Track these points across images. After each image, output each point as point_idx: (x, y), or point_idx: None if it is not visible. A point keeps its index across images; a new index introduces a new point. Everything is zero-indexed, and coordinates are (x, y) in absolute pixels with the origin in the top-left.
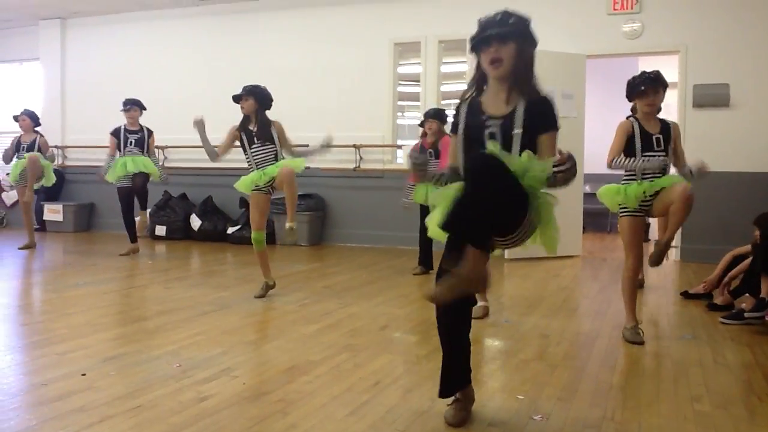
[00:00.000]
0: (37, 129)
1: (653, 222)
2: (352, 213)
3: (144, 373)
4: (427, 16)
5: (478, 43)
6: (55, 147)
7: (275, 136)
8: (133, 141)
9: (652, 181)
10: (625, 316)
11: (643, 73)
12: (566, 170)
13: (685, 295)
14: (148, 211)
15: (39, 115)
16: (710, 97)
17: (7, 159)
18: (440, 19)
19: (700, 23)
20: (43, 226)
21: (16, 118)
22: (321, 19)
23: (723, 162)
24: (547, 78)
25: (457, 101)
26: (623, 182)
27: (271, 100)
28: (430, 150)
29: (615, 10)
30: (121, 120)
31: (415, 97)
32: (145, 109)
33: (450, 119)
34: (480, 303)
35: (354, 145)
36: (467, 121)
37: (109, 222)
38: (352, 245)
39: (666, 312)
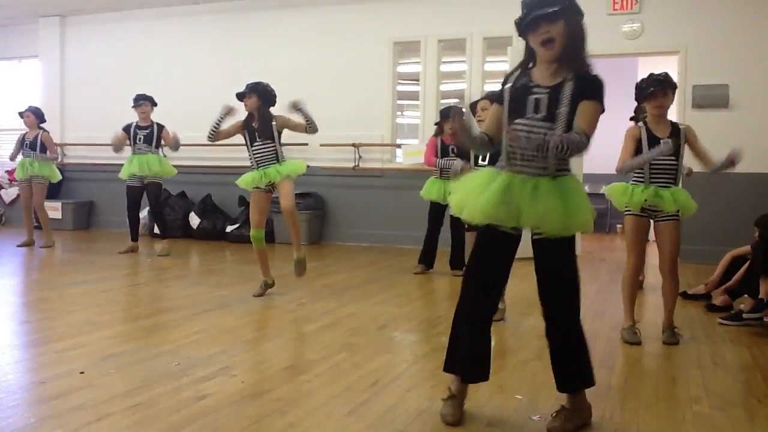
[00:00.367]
0: (41, 125)
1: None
2: (351, 212)
3: (143, 371)
4: (427, 15)
5: (526, 26)
6: (54, 144)
7: (276, 133)
8: (142, 137)
9: (658, 188)
10: (623, 315)
11: (651, 75)
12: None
13: (684, 295)
14: (146, 209)
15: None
16: (710, 98)
17: (13, 157)
18: (440, 19)
19: (699, 24)
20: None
21: (21, 115)
22: (321, 18)
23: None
24: None
25: (457, 101)
26: (633, 182)
27: (275, 97)
28: (452, 147)
29: (615, 10)
30: (118, 118)
31: (414, 96)
32: (156, 104)
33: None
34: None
35: (353, 144)
36: (514, 83)
37: (109, 220)
38: (351, 244)
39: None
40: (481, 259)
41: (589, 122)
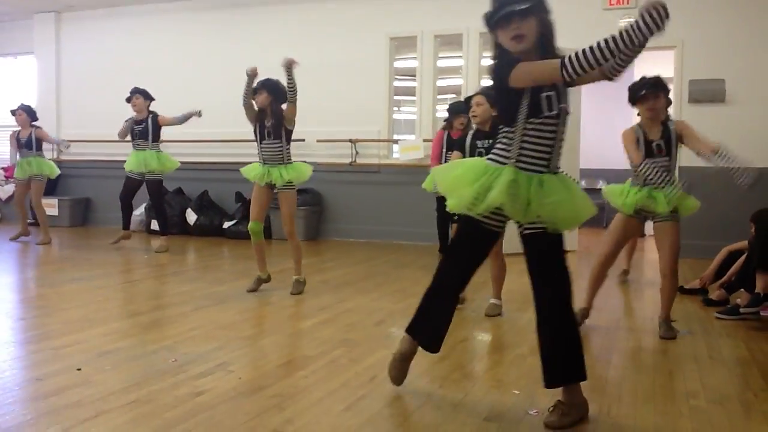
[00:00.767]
0: (33, 123)
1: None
2: (348, 208)
3: (140, 367)
4: (423, 10)
5: (497, 21)
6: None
7: (284, 133)
8: (138, 132)
9: (652, 189)
10: (620, 309)
11: (643, 78)
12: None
13: (681, 290)
14: (143, 205)
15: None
16: (706, 93)
17: (13, 158)
18: (436, 14)
19: (696, 19)
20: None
21: (13, 113)
22: (317, 14)
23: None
24: None
25: (453, 96)
26: (631, 184)
27: (285, 93)
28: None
29: (611, 5)
30: (115, 114)
31: (411, 91)
32: (150, 98)
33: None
34: (492, 301)
35: (350, 140)
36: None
37: (105, 216)
38: (349, 240)
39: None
40: (461, 251)
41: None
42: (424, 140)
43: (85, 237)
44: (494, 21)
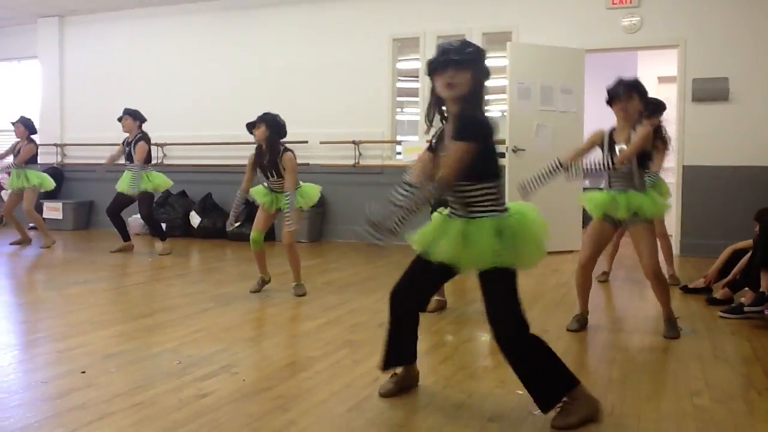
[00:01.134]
0: (31, 136)
1: None
2: (351, 209)
3: (144, 370)
4: (426, 11)
5: (435, 66)
6: (54, 145)
7: (281, 168)
8: (127, 153)
9: (616, 193)
10: (623, 309)
11: (620, 79)
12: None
13: (685, 289)
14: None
15: (37, 118)
16: (709, 91)
17: (1, 157)
18: (439, 15)
19: (699, 17)
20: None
21: (13, 124)
22: (319, 15)
23: (722, 156)
24: (546, 73)
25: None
26: (601, 188)
27: (284, 127)
28: None
29: (614, 4)
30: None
31: (414, 92)
32: (140, 119)
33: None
34: (435, 297)
35: (353, 141)
36: (437, 143)
37: (109, 220)
38: (352, 241)
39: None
40: (412, 275)
41: (446, 165)
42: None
43: (89, 240)
44: (433, 66)
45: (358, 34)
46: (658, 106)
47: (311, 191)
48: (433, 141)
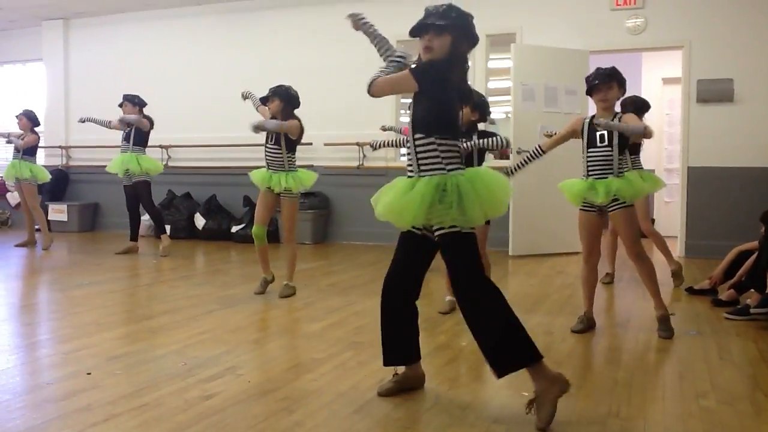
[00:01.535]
0: (35, 129)
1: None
2: (355, 211)
3: (149, 371)
4: None
5: (417, 29)
6: (59, 147)
7: (283, 140)
8: (124, 135)
9: (595, 180)
10: (628, 310)
11: (598, 69)
12: None
13: (690, 291)
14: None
15: (42, 120)
16: (714, 92)
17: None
18: None
19: (703, 18)
20: (47, 225)
21: (17, 117)
22: (323, 17)
23: (728, 157)
24: (550, 74)
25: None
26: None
27: (297, 98)
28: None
29: (618, 5)
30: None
31: None
32: (140, 104)
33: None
34: (448, 297)
35: (357, 143)
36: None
37: (114, 221)
38: (356, 243)
39: (671, 308)
40: (399, 261)
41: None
42: None
43: (94, 242)
44: (416, 29)
45: (361, 36)
46: (642, 106)
47: (306, 176)
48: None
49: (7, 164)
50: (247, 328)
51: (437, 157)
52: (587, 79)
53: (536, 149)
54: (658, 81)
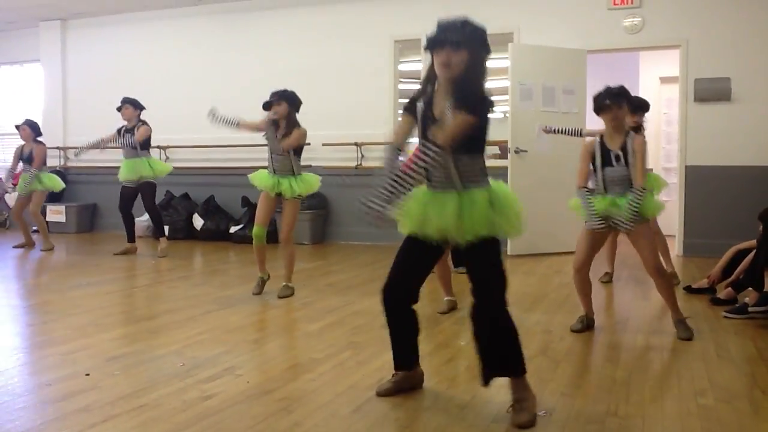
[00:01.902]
0: (38, 138)
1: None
2: (354, 211)
3: (148, 372)
4: (428, 13)
5: (432, 44)
6: (57, 148)
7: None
8: (125, 142)
9: (615, 197)
10: (627, 309)
11: (607, 87)
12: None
13: (689, 289)
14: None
15: (40, 121)
16: (712, 92)
17: (13, 169)
18: (440, 16)
19: (700, 17)
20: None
21: (18, 128)
22: (321, 18)
23: (725, 156)
24: (547, 74)
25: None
26: (592, 193)
27: (300, 103)
28: None
29: (615, 4)
30: (120, 121)
31: None
32: (140, 108)
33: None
34: (447, 297)
35: (355, 143)
36: (422, 113)
37: (112, 222)
38: (355, 243)
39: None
40: (401, 266)
41: (447, 133)
42: None
43: (92, 243)
44: (430, 44)
45: (359, 36)
46: (641, 106)
47: (312, 179)
48: (417, 104)
49: (20, 177)
50: (246, 328)
51: (479, 173)
52: (596, 99)
53: (576, 130)
54: (656, 80)
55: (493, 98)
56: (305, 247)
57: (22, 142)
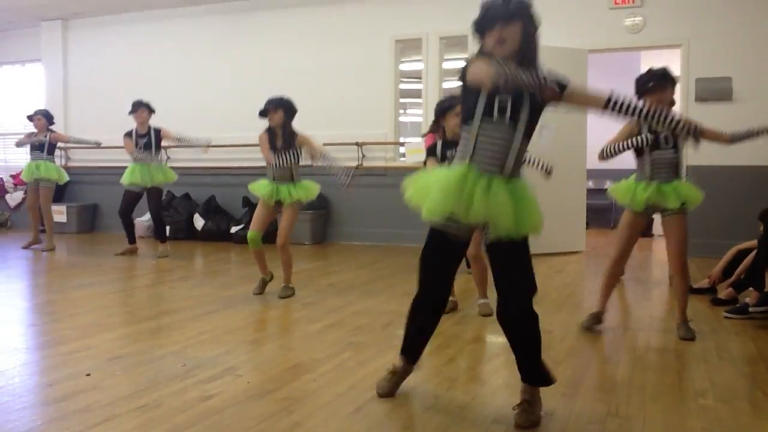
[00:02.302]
0: (50, 128)
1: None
2: (354, 211)
3: (149, 372)
4: (428, 12)
5: (482, 24)
6: (58, 148)
7: (296, 153)
8: (142, 146)
9: (660, 183)
10: (628, 309)
11: (650, 69)
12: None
13: (689, 290)
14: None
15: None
16: (713, 91)
17: (19, 144)
18: (441, 16)
19: (702, 17)
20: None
21: (31, 118)
22: (322, 17)
23: (726, 156)
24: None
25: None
26: (636, 180)
27: (296, 111)
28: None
29: (616, 4)
30: (122, 121)
31: (416, 94)
32: (153, 111)
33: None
34: (481, 300)
35: (356, 143)
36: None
37: (113, 223)
38: (355, 243)
39: (670, 307)
40: (430, 261)
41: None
42: None
43: (93, 243)
44: (480, 25)
45: (360, 36)
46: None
47: (311, 186)
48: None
49: (26, 164)
50: (246, 328)
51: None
52: (639, 80)
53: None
54: None
55: None
56: (306, 247)
57: (33, 132)
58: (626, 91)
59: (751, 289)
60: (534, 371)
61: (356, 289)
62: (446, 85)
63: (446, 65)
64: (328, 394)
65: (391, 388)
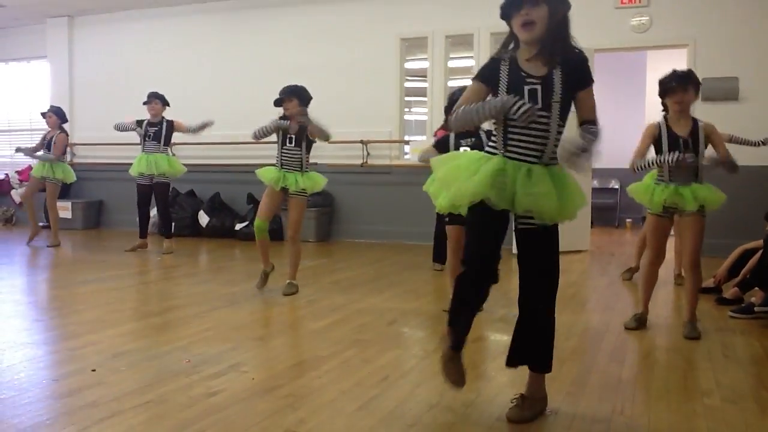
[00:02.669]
0: (62, 126)
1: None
2: (359, 209)
3: (154, 368)
4: (434, 11)
5: (508, 7)
6: (64, 147)
7: (306, 141)
8: (151, 135)
9: (678, 186)
10: (633, 308)
11: (674, 71)
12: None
13: None
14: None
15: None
16: (719, 91)
17: (35, 150)
18: (447, 15)
19: (708, 16)
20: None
21: (44, 115)
22: (328, 16)
23: (732, 155)
24: None
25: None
26: (656, 182)
27: (310, 99)
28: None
29: (623, 3)
30: (129, 117)
31: (422, 92)
32: (167, 104)
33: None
34: None
35: (361, 141)
36: (508, 77)
37: (118, 219)
38: (360, 241)
39: (675, 306)
40: (477, 234)
41: (591, 109)
42: None
43: (99, 239)
44: (507, 9)
45: (366, 34)
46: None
47: (317, 177)
48: (501, 77)
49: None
50: (251, 325)
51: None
52: (662, 81)
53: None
54: None
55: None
56: (310, 244)
57: (47, 130)
58: (637, 91)
59: (756, 288)
60: (544, 358)
61: (361, 287)
62: (452, 83)
63: (452, 64)
64: (333, 391)
65: (459, 376)
